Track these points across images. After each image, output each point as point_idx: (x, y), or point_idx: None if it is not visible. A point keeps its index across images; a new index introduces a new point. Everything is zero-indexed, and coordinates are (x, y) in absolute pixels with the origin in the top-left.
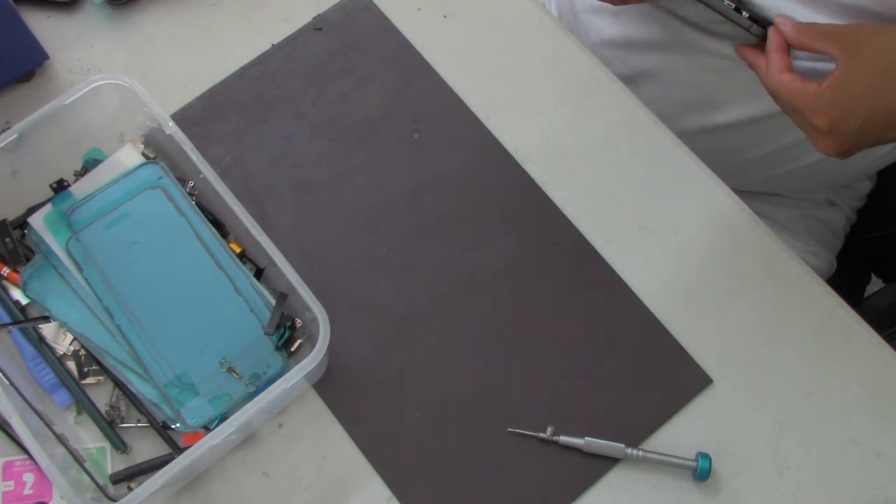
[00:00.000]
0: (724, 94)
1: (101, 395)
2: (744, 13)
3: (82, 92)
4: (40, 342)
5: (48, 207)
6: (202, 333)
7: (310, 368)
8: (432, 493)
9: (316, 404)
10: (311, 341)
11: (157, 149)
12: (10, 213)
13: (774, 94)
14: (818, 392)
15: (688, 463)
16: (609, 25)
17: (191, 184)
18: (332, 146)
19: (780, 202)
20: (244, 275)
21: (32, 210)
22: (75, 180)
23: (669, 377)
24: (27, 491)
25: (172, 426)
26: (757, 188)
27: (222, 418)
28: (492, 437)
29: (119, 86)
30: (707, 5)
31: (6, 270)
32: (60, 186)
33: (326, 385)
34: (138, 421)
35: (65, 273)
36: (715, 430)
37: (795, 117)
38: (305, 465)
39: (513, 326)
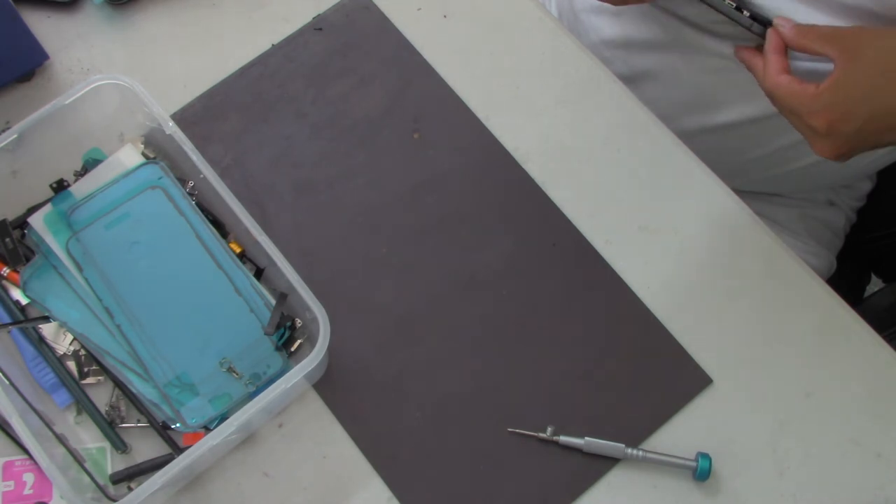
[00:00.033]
0: (724, 94)
1: (101, 395)
2: (745, 13)
3: (82, 92)
4: (40, 342)
5: (48, 207)
6: (202, 333)
7: (310, 368)
8: (432, 493)
9: (316, 404)
10: (311, 341)
11: (157, 149)
12: (10, 213)
13: (772, 96)
14: (818, 392)
15: (688, 463)
16: (609, 25)
17: (191, 184)
18: (332, 146)
19: (780, 202)
20: (244, 275)
21: (32, 210)
22: (75, 180)
23: (669, 377)
24: (27, 491)
25: (172, 426)
26: (757, 188)
27: (222, 418)
28: (492, 437)
29: (119, 86)
30: (708, 5)
31: (6, 270)
32: (60, 186)
33: (326, 385)
34: (138, 421)
35: (65, 273)
36: (715, 430)
37: (793, 119)
38: (305, 465)
39: (513, 326)
